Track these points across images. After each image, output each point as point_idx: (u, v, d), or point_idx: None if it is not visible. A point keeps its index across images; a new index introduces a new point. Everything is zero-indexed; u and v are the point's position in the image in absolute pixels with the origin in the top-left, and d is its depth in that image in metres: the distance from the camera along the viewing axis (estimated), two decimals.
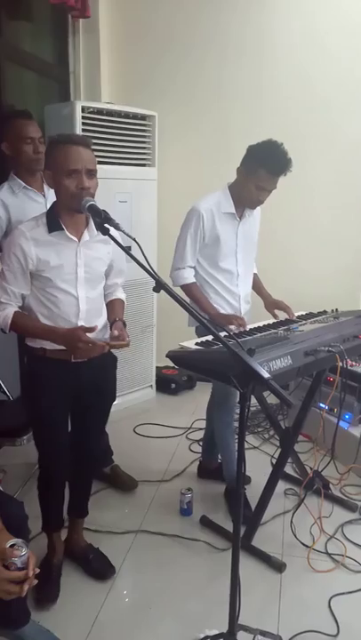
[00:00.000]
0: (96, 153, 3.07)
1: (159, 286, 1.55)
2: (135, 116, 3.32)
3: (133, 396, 3.63)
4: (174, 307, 2.46)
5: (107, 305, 2.00)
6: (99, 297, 1.93)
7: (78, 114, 3.03)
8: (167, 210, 3.52)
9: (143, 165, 3.42)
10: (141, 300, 3.46)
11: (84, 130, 3.05)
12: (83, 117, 3.05)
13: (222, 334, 2.11)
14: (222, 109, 3.77)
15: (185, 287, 2.43)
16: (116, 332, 1.82)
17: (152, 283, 1.55)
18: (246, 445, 3.08)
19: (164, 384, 3.87)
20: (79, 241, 1.82)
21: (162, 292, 1.54)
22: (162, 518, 2.50)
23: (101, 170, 3.16)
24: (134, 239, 1.64)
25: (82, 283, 1.83)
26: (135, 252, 1.63)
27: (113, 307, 2.01)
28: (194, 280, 2.45)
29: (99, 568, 2.14)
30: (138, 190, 3.38)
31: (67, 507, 2.17)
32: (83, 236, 1.83)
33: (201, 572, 2.17)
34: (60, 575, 2.08)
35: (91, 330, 1.74)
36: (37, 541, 2.12)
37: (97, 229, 1.74)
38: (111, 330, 1.88)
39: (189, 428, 3.34)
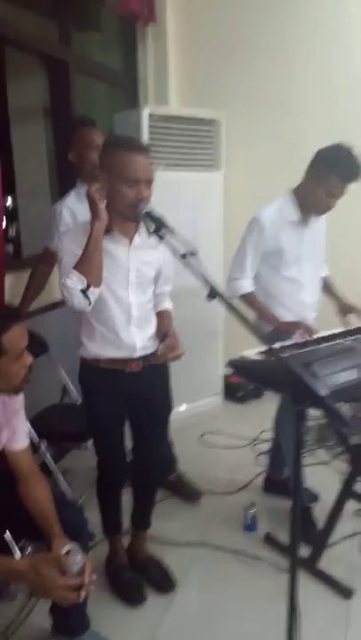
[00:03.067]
0: (162, 158, 3.14)
1: (213, 294, 1.49)
2: (202, 121, 3.29)
3: (200, 404, 3.58)
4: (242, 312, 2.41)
5: (156, 315, 1.96)
6: (148, 302, 1.90)
7: (145, 120, 3.05)
8: (234, 215, 3.42)
9: (209, 170, 3.37)
10: (208, 306, 3.36)
11: (150, 136, 3.06)
12: (150, 124, 3.05)
13: (287, 343, 2.04)
14: (292, 111, 3.62)
15: (244, 297, 2.35)
16: (163, 347, 1.79)
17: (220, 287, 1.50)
18: (315, 460, 2.96)
19: (232, 392, 3.78)
20: (130, 245, 1.79)
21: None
22: (225, 532, 2.42)
23: (167, 175, 3.21)
24: (191, 247, 1.58)
25: (133, 287, 1.80)
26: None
27: (162, 319, 1.97)
28: (252, 289, 2.35)
29: (159, 581, 2.11)
30: (203, 195, 3.34)
31: (130, 516, 2.15)
32: (134, 240, 1.80)
33: (262, 593, 2.07)
34: (129, 578, 2.07)
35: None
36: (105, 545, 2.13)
37: (153, 234, 1.70)
38: (163, 342, 1.84)
39: (256, 439, 3.23)
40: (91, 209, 1.69)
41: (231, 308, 1.46)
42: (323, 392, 1.27)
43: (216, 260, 3.27)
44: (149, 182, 1.71)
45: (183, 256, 1.55)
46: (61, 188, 2.97)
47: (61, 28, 3.10)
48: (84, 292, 1.66)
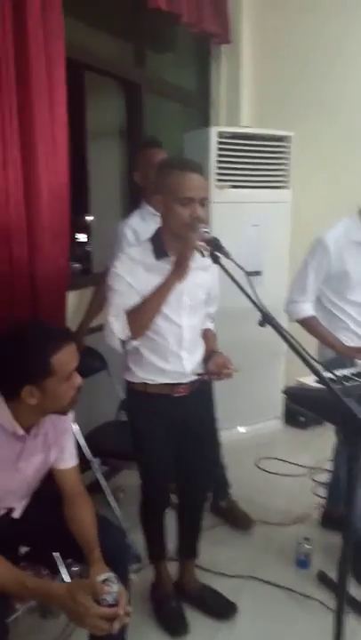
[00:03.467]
0: (230, 177, 3.12)
1: (265, 320, 1.43)
2: (272, 138, 3.24)
3: (259, 427, 3.49)
4: (306, 334, 2.33)
5: None
6: (199, 325, 1.87)
7: (214, 139, 3.05)
8: (302, 235, 3.33)
9: (278, 187, 3.31)
10: (269, 327, 3.30)
11: (219, 154, 3.06)
12: (218, 142, 3.05)
13: (351, 371, 1.94)
14: None
15: (305, 321, 2.26)
16: (213, 367, 1.74)
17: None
18: None
19: (293, 416, 3.65)
20: None
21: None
22: (276, 566, 2.31)
23: (235, 193, 3.19)
24: (242, 268, 1.53)
25: (186, 310, 1.78)
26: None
27: (207, 339, 1.93)
28: (313, 313, 2.26)
29: (219, 608, 2.06)
30: (271, 214, 3.28)
31: (177, 547, 2.12)
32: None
33: (310, 634, 1.95)
34: (174, 608, 2.03)
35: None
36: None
37: (208, 257, 1.68)
38: (210, 361, 1.80)
39: (316, 468, 3.09)
40: (177, 263, 1.68)
41: (284, 335, 1.40)
42: None
43: (282, 281, 3.19)
44: (203, 201, 1.69)
45: (248, 273, 1.51)
46: (133, 207, 3.03)
47: (136, 51, 3.17)
48: (122, 341, 1.72)
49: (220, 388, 3.18)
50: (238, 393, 3.35)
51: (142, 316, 1.71)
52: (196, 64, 3.73)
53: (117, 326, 1.70)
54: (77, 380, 1.46)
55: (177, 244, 1.73)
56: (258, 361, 3.35)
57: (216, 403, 2.62)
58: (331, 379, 1.84)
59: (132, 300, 1.72)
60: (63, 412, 1.49)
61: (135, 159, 2.43)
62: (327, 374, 1.86)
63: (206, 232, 1.67)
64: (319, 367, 1.39)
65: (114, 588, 1.32)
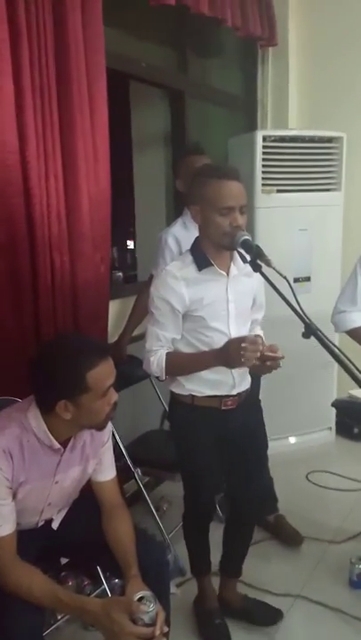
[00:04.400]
0: (277, 181, 3.04)
1: (309, 332, 1.36)
2: (321, 140, 3.14)
3: (309, 438, 3.37)
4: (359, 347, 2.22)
5: None
6: (247, 334, 1.80)
7: (259, 143, 2.99)
8: (354, 240, 3.22)
9: (328, 190, 3.20)
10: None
11: (264, 158, 2.99)
12: (263, 146, 2.99)
13: None
14: None
15: (353, 332, 2.15)
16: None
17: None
18: None
19: (346, 427, 3.48)
20: (228, 276, 1.72)
21: None
22: (327, 586, 2.20)
23: (281, 198, 3.11)
24: (285, 277, 1.47)
25: (233, 319, 1.73)
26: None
27: None
28: None
29: (263, 614, 2.00)
30: (320, 218, 3.18)
31: (220, 562, 2.05)
32: (231, 271, 1.73)
33: None
34: (218, 625, 1.96)
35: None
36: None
37: (249, 265, 1.63)
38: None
39: None
40: (225, 362, 1.63)
41: (328, 346, 1.32)
42: None
43: (333, 288, 3.07)
44: (243, 209, 1.65)
45: (296, 279, 1.45)
46: (177, 215, 3.02)
47: (179, 57, 3.16)
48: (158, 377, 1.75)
49: (270, 398, 3.10)
50: (289, 403, 3.26)
51: (180, 372, 1.75)
52: (242, 68, 3.67)
53: (155, 366, 1.71)
54: (114, 396, 1.43)
55: (217, 253, 1.69)
56: (309, 371, 3.25)
57: (264, 413, 2.55)
58: None
59: (170, 322, 1.70)
60: (99, 428, 1.47)
61: (177, 166, 2.40)
62: None
63: (247, 239, 1.62)
64: None
65: (151, 607, 1.28)
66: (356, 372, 1.29)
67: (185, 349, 1.74)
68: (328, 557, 2.39)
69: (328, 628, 2.01)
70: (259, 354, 1.56)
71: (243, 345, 1.52)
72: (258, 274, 1.65)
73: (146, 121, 3.31)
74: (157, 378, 1.78)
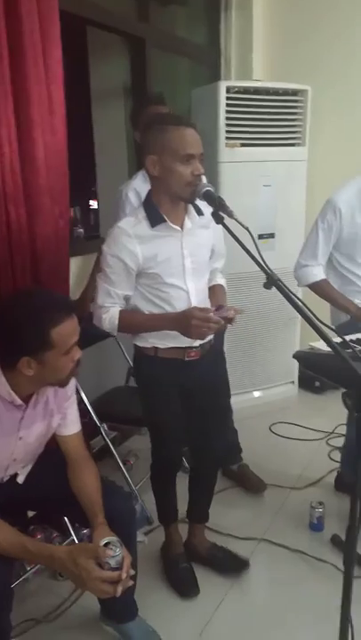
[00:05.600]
0: (241, 134, 2.99)
1: (270, 282, 1.36)
2: (285, 92, 3.08)
3: (273, 392, 3.45)
4: (322, 300, 2.25)
5: (209, 290, 1.86)
6: (206, 287, 1.81)
7: (222, 95, 2.90)
8: (319, 194, 3.21)
9: (292, 145, 3.17)
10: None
11: (228, 111, 2.92)
12: (227, 98, 2.91)
13: None
14: None
15: (315, 286, 2.18)
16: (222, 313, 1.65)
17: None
18: None
19: (308, 381, 3.60)
20: (182, 230, 1.70)
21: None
22: (288, 530, 2.31)
23: (245, 152, 3.07)
24: (247, 228, 1.46)
25: (190, 274, 1.72)
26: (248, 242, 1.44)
27: (214, 293, 1.86)
28: (324, 277, 2.18)
29: (229, 564, 2.07)
30: (285, 173, 3.15)
31: (188, 510, 2.11)
32: (185, 224, 1.71)
33: (323, 599, 1.94)
34: (184, 569, 2.03)
35: (204, 311, 1.62)
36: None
37: (212, 216, 1.61)
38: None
39: (331, 433, 3.05)
40: (182, 332, 1.63)
41: (290, 298, 1.33)
42: None
43: (297, 244, 3.09)
44: (202, 157, 1.61)
45: (261, 236, 1.44)
46: (140, 168, 2.94)
47: (140, 2, 3.02)
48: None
49: (234, 354, 3.16)
50: (253, 358, 3.31)
51: (135, 331, 1.77)
52: (206, 16, 3.54)
53: (107, 323, 1.70)
54: (77, 353, 1.42)
55: (172, 207, 1.66)
56: (272, 326, 3.30)
57: (228, 366, 2.59)
58: (341, 343, 1.78)
59: (122, 279, 1.68)
60: (62, 385, 1.47)
61: (137, 117, 2.33)
62: (338, 339, 1.81)
63: (210, 190, 1.60)
64: (329, 331, 1.33)
65: (117, 552, 1.32)
66: (316, 321, 1.31)
67: (142, 304, 1.73)
68: (290, 503, 2.49)
69: (289, 568, 2.11)
70: (212, 333, 1.61)
71: (194, 322, 1.55)
72: (214, 224, 1.64)
73: (106, 71, 3.18)
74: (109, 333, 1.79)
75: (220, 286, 1.92)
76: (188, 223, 1.71)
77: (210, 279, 1.89)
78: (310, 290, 2.21)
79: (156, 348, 1.76)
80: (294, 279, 2.31)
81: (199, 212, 1.72)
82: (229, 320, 1.61)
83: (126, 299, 1.74)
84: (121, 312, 1.71)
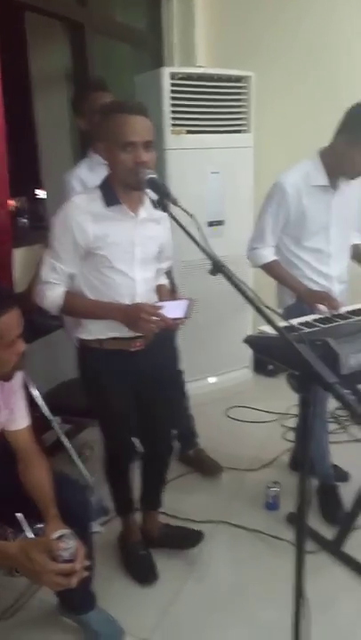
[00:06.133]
0: (186, 122, 2.98)
1: (216, 269, 1.37)
2: (229, 79, 3.09)
3: (228, 377, 3.50)
4: (272, 285, 2.29)
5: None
6: (152, 280, 1.81)
7: (166, 81, 2.89)
8: (265, 181, 3.24)
9: (238, 132, 3.19)
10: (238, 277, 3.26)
11: (172, 97, 2.91)
12: (171, 84, 2.90)
13: (313, 318, 1.92)
14: (328, 66, 3.33)
15: (266, 267, 2.22)
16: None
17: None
18: (349, 438, 2.83)
19: (262, 365, 3.66)
20: (137, 218, 1.69)
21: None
22: (245, 510, 2.36)
23: (192, 139, 3.06)
24: (192, 215, 1.46)
25: (138, 263, 1.71)
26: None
27: (160, 293, 1.88)
28: (275, 258, 2.22)
29: (184, 537, 2.08)
30: (232, 160, 3.17)
31: (140, 497, 2.11)
32: (139, 213, 1.70)
33: (281, 576, 1.96)
34: (142, 556, 2.04)
35: (155, 307, 1.63)
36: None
37: (157, 206, 1.61)
38: None
39: (285, 414, 3.12)
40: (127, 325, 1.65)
41: (235, 283, 1.34)
42: (332, 379, 1.16)
43: (246, 229, 3.12)
44: (148, 145, 1.60)
45: (210, 223, 1.45)
46: (83, 156, 2.89)
47: None
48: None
49: (188, 341, 3.17)
50: (206, 344, 3.34)
51: (78, 315, 1.74)
52: (146, 2, 3.50)
53: (49, 301, 1.68)
54: (21, 346, 1.39)
55: (126, 193, 1.65)
56: (225, 311, 3.33)
57: (182, 354, 2.60)
58: (287, 326, 1.82)
59: (70, 255, 1.65)
60: (5, 379, 1.43)
61: (79, 103, 2.28)
62: (284, 323, 1.85)
63: (153, 177, 1.59)
64: (274, 315, 1.35)
65: (70, 544, 1.31)
66: (261, 305, 1.33)
67: (87, 290, 1.71)
68: (246, 484, 2.54)
69: (248, 548, 2.16)
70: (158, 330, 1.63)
71: (142, 315, 1.57)
72: (165, 221, 1.64)
73: (46, 57, 3.09)
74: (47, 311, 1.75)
75: (165, 286, 1.95)
76: (142, 212, 1.71)
77: (155, 278, 1.88)
78: (263, 271, 2.24)
79: (101, 339, 1.74)
80: (246, 265, 2.35)
81: (155, 206, 1.71)
82: (179, 323, 1.64)
83: (71, 277, 1.70)
84: (67, 293, 1.68)
